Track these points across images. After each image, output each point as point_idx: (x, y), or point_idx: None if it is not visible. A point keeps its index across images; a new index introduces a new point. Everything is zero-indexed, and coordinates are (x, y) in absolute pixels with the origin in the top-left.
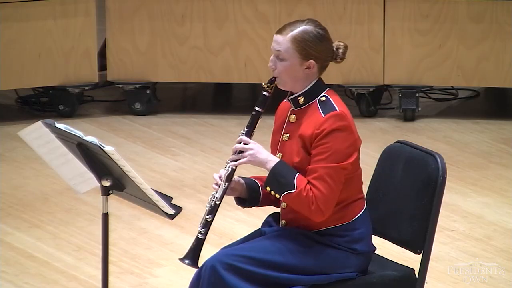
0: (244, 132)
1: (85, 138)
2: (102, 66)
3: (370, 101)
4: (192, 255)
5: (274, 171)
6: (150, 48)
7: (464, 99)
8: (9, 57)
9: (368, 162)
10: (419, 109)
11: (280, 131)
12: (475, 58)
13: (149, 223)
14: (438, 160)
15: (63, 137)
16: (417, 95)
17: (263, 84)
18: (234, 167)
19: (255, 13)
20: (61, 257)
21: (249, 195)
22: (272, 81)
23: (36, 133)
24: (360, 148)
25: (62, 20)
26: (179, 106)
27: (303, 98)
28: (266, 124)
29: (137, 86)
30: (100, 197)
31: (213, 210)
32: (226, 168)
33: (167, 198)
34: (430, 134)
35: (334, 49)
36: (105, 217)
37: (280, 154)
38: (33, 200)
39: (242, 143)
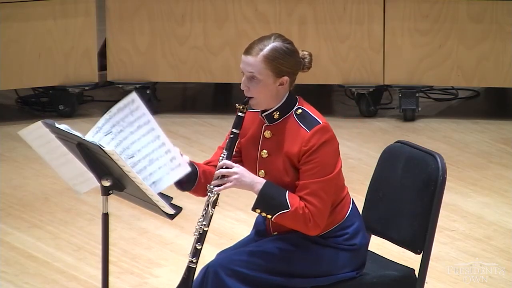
0: (224, 156)
1: (85, 138)
2: (102, 66)
3: (370, 101)
4: (185, 286)
5: (263, 193)
6: (150, 48)
7: (464, 99)
8: (9, 57)
9: (368, 162)
10: (419, 109)
11: (255, 146)
12: (475, 58)
13: (149, 223)
14: (438, 160)
15: (63, 137)
16: (417, 95)
17: (236, 105)
18: (219, 192)
19: (255, 13)
20: (61, 257)
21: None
22: (246, 101)
23: (36, 133)
24: (360, 148)
25: (62, 20)
26: (179, 106)
27: (278, 113)
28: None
29: (137, 86)
30: (100, 197)
31: (202, 237)
32: (211, 194)
33: (167, 198)
34: (430, 134)
35: (301, 59)
36: (105, 217)
37: (263, 171)
38: (33, 200)
39: (224, 167)
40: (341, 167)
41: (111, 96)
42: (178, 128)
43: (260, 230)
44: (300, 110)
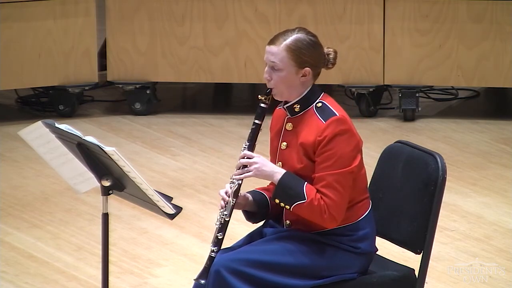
0: (246, 147)
1: (85, 138)
2: (102, 66)
3: (370, 101)
4: (207, 275)
5: (281, 183)
6: (150, 48)
7: (464, 99)
8: (9, 57)
9: (368, 162)
10: (419, 109)
11: (278, 139)
12: (475, 58)
13: (149, 223)
14: (438, 160)
15: (63, 137)
16: (417, 95)
17: (259, 96)
18: (240, 182)
19: (255, 13)
20: (61, 257)
21: (259, 211)
22: (268, 92)
23: (36, 133)
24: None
25: (62, 20)
26: (179, 106)
27: (298, 106)
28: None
29: (137, 86)
30: (100, 197)
31: (223, 227)
32: (233, 184)
33: (167, 198)
34: (430, 134)
35: (325, 55)
36: (105, 217)
37: (280, 163)
38: (33, 200)
39: (245, 157)
40: (364, 169)
41: (111, 96)
42: (178, 128)
43: (270, 222)
44: (320, 104)
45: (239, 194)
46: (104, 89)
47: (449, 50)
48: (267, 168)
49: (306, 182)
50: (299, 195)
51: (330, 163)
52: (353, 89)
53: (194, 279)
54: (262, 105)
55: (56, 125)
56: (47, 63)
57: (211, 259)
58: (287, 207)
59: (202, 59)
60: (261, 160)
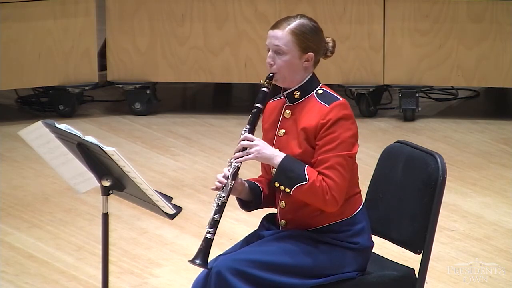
0: (246, 130)
1: (85, 138)
2: (102, 66)
3: (370, 101)
4: (202, 256)
5: (282, 166)
6: (150, 48)
7: (464, 99)
8: (9, 57)
9: (368, 162)
10: (419, 109)
11: (274, 127)
12: (475, 58)
13: (149, 223)
14: (438, 160)
15: (63, 137)
16: (417, 95)
17: (261, 81)
18: (239, 165)
19: (255, 13)
20: (61, 257)
21: (253, 199)
22: (270, 77)
23: (36, 133)
24: (360, 148)
25: (62, 20)
26: (179, 106)
27: (299, 93)
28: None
29: (137, 86)
30: (100, 197)
31: (220, 209)
32: (231, 166)
33: (167, 198)
34: (430, 134)
35: (326, 43)
36: (105, 217)
37: (278, 149)
38: (33, 200)
39: (246, 140)
40: (356, 164)
41: (111, 96)
42: (178, 128)
43: (265, 224)
44: (321, 91)
45: (237, 179)
46: (104, 89)
47: (449, 50)
48: (267, 151)
49: (306, 165)
50: (300, 177)
51: (333, 146)
52: (353, 89)
53: (188, 261)
54: (264, 89)
55: (56, 125)
56: (47, 63)
57: (206, 240)
58: (287, 190)
59: (202, 59)
60: (262, 143)
